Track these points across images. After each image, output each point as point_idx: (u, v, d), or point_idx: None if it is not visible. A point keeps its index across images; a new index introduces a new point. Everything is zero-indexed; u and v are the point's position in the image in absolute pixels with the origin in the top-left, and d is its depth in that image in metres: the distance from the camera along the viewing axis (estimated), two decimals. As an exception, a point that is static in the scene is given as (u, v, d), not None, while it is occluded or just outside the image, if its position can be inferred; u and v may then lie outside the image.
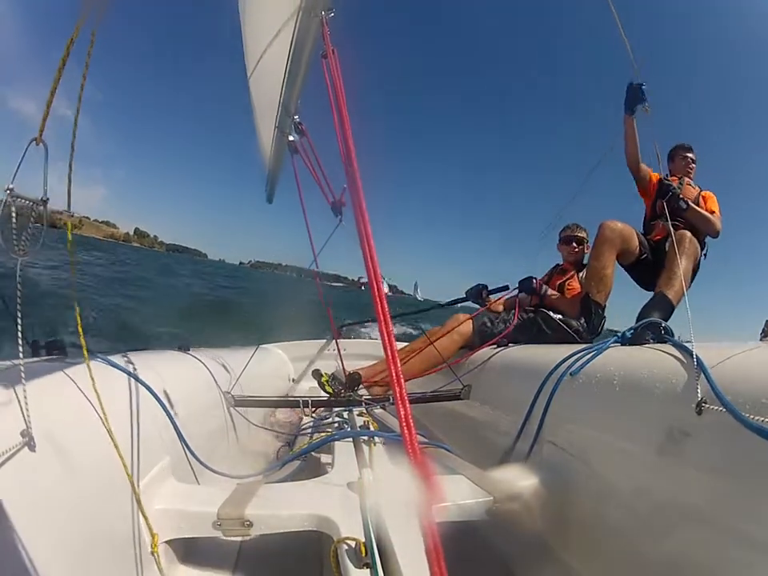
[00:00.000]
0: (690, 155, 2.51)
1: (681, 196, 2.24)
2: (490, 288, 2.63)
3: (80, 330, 0.87)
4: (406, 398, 0.53)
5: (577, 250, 2.60)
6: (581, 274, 2.51)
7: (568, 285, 2.48)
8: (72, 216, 0.70)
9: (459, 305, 2.90)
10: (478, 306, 2.60)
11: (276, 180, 2.08)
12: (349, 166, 0.75)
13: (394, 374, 0.54)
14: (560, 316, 2.21)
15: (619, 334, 1.28)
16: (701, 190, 2.45)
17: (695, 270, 2.23)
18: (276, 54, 1.25)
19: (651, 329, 1.19)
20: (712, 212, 2.34)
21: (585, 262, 2.58)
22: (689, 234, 2.16)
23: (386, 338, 0.57)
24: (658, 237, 2.38)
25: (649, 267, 2.29)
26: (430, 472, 0.48)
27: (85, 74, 0.67)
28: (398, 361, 0.56)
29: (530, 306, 2.52)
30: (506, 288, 2.59)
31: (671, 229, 1.98)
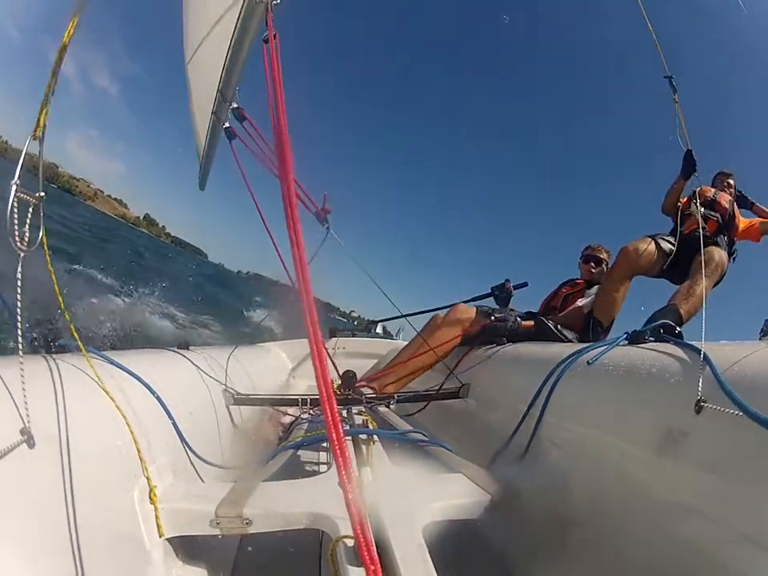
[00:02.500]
0: (729, 180, 2.62)
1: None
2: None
3: (71, 328, 0.87)
4: (333, 396, 0.56)
5: (593, 270, 2.65)
6: (589, 291, 2.53)
7: (572, 298, 2.51)
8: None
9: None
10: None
11: (209, 166, 2.07)
12: (281, 152, 0.75)
13: (319, 369, 0.56)
14: (558, 326, 2.23)
15: (623, 336, 1.27)
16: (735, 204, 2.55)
17: (718, 281, 2.27)
18: (216, 39, 1.26)
19: (663, 330, 1.18)
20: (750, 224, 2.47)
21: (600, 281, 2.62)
22: (719, 252, 2.17)
23: (314, 344, 0.58)
24: (690, 229, 2.39)
25: (678, 266, 2.30)
26: (349, 467, 0.50)
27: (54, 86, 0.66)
28: (324, 356, 0.58)
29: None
30: (525, 284, 2.67)
31: (700, 216, 2.00)
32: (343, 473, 0.50)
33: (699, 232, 2.07)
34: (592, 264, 2.65)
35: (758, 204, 2.66)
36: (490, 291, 2.65)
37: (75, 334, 0.93)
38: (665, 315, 1.87)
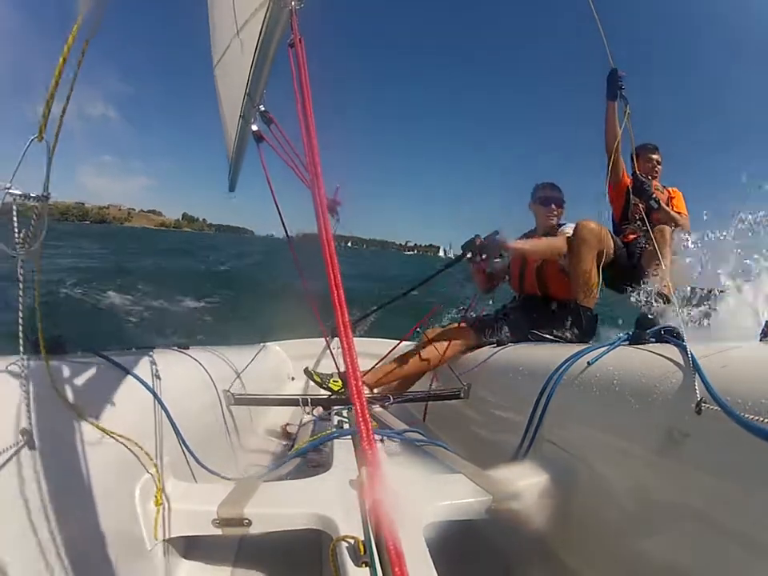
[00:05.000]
0: (654, 156, 2.53)
1: (653, 195, 2.29)
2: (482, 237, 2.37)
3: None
4: (362, 392, 0.56)
5: (556, 213, 2.35)
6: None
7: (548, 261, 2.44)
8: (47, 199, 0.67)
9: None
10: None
11: (239, 169, 2.08)
12: (310, 156, 0.76)
13: (351, 370, 0.56)
14: (553, 331, 2.18)
15: (624, 336, 1.27)
16: (669, 191, 2.49)
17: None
18: (243, 43, 1.27)
19: (663, 331, 1.18)
20: (679, 212, 2.39)
21: (561, 223, 2.39)
22: (668, 228, 2.18)
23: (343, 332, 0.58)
24: (629, 239, 2.41)
25: (620, 268, 2.31)
26: (379, 469, 0.49)
27: (72, 86, 0.66)
28: (355, 356, 0.58)
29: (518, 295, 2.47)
30: (497, 233, 2.24)
31: (649, 228, 2.02)
32: (363, 470, 0.50)
33: (648, 234, 2.07)
34: (553, 206, 2.31)
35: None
36: (462, 253, 2.24)
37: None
38: (656, 302, 1.87)
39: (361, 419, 0.53)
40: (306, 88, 0.84)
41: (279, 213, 2.04)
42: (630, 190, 2.38)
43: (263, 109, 1.78)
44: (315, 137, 0.78)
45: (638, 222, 2.33)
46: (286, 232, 2.09)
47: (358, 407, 0.54)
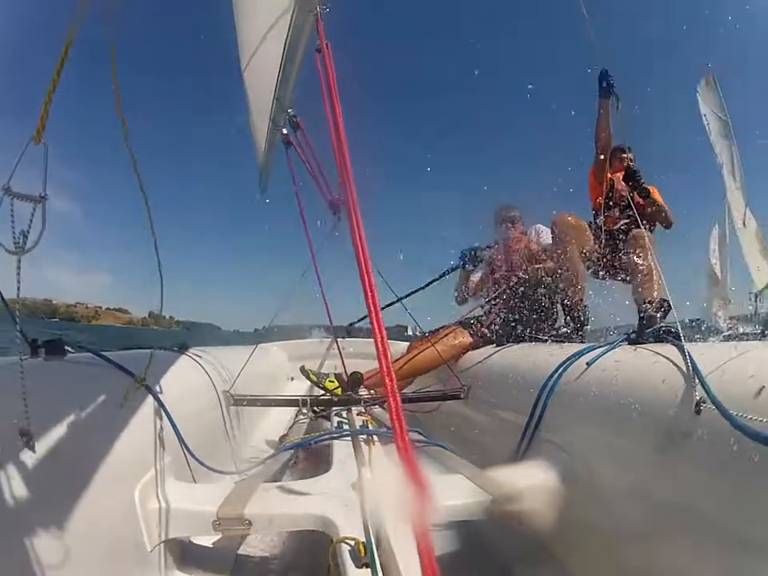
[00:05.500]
0: (625, 155, 2.61)
1: (643, 183, 2.33)
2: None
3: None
4: (396, 392, 0.54)
5: (511, 227, 2.73)
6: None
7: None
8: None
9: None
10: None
11: (269, 172, 2.10)
12: (341, 161, 0.75)
13: (384, 367, 0.55)
14: (546, 328, 2.24)
15: (623, 337, 1.27)
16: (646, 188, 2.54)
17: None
18: (270, 48, 1.27)
19: (662, 332, 1.19)
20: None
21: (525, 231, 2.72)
22: (644, 231, 2.20)
23: (379, 339, 0.57)
24: (609, 227, 2.45)
25: (600, 257, 2.35)
26: (418, 468, 0.48)
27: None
28: (390, 354, 0.57)
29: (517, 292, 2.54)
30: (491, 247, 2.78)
31: (638, 218, 2.04)
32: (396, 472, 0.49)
33: (635, 222, 2.11)
34: (507, 224, 2.73)
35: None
36: (461, 262, 2.72)
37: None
38: (659, 309, 1.87)
39: (395, 418, 0.52)
40: (335, 94, 0.83)
41: (303, 221, 2.11)
42: (614, 180, 2.43)
43: (292, 113, 1.79)
44: (346, 144, 0.77)
45: (624, 209, 2.37)
46: (311, 248, 2.19)
47: (393, 406, 0.53)
